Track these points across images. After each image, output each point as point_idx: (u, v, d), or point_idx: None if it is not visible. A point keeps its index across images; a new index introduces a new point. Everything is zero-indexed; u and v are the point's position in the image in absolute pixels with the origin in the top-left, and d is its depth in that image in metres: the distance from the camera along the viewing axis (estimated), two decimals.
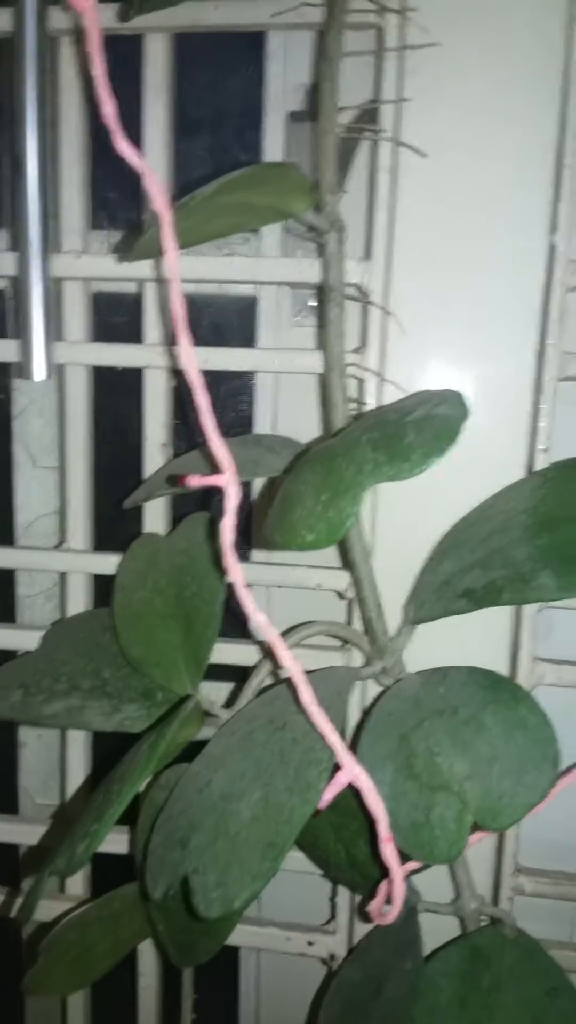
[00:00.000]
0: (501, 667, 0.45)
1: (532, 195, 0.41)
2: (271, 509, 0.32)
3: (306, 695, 0.30)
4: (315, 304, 0.50)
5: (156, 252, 0.40)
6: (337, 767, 0.31)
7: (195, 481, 0.31)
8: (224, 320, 0.56)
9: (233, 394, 0.56)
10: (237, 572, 0.30)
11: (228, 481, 0.30)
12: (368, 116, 0.43)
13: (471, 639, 0.44)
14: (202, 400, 0.32)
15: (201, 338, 0.47)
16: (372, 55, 0.42)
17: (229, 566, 0.29)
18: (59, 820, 0.53)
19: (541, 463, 0.43)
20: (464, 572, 0.38)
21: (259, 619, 0.31)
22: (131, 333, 0.51)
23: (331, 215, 0.40)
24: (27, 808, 0.62)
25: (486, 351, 0.43)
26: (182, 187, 0.52)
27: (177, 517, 0.48)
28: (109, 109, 0.30)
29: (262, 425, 0.52)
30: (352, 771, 0.30)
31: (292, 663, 0.30)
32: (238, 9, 0.42)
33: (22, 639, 0.49)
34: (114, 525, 0.55)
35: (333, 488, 0.28)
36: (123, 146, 0.31)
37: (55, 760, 0.60)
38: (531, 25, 0.39)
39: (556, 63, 0.39)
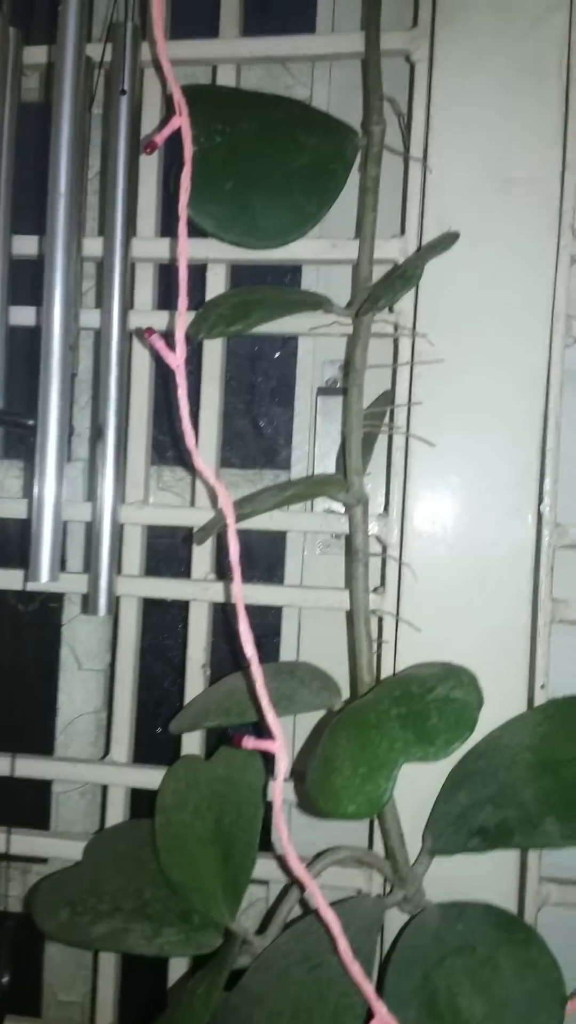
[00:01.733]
0: (511, 885, 0.48)
1: (523, 474, 0.49)
2: (312, 765, 0.37)
3: (342, 944, 0.34)
4: (340, 535, 0.57)
5: (216, 530, 0.47)
6: (370, 1012, 0.34)
7: (250, 744, 0.37)
8: (256, 546, 0.64)
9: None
10: (283, 832, 0.34)
11: (278, 748, 0.35)
12: (386, 399, 0.52)
13: (483, 859, 0.48)
14: (247, 637, 0.38)
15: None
16: (389, 367, 0.51)
17: (280, 830, 0.34)
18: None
19: (540, 698, 0.49)
20: (478, 807, 0.43)
21: (295, 864, 0.36)
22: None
23: (357, 493, 0.48)
24: (50, 1006, 0.62)
25: (488, 597, 0.50)
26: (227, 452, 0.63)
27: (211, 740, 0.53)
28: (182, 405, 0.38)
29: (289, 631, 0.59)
30: (384, 1020, 0.33)
31: (328, 912, 0.34)
32: (279, 323, 0.51)
33: (59, 848, 0.53)
34: (152, 733, 0.60)
35: (369, 763, 0.34)
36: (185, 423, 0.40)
37: (79, 955, 0.62)
38: (519, 335, 0.49)
39: (539, 383, 0.48)
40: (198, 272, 0.55)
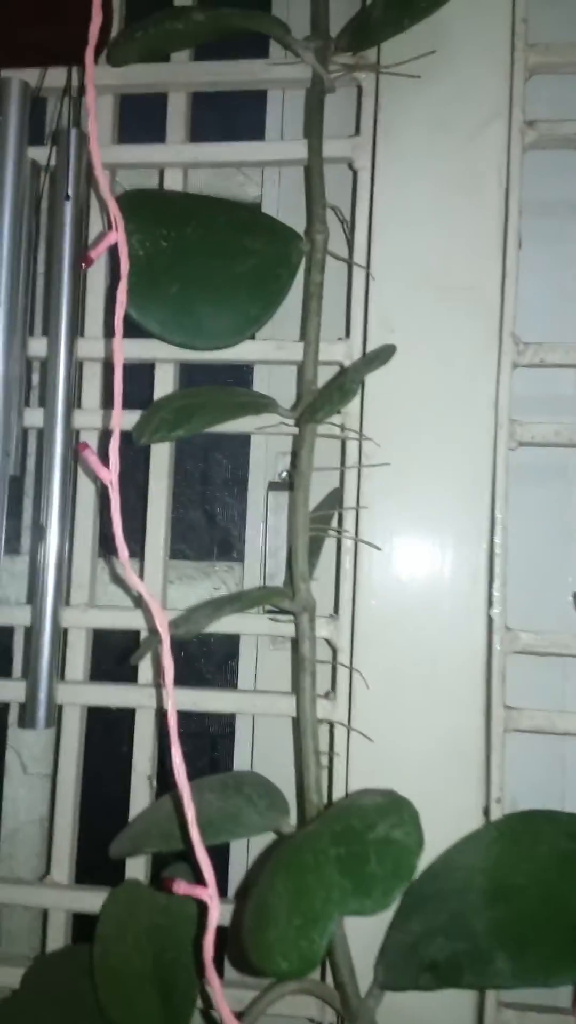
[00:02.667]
0: (468, 1012, 0.46)
1: (472, 578, 0.48)
2: (247, 912, 0.35)
3: None
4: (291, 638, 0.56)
5: (150, 650, 0.46)
6: None
7: (182, 889, 0.35)
8: (211, 640, 0.63)
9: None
10: (217, 985, 0.32)
11: (209, 896, 0.33)
12: (335, 497, 0.52)
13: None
14: (176, 751, 0.36)
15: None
16: (337, 469, 0.50)
17: (213, 983, 0.31)
18: None
19: (496, 812, 0.47)
20: (429, 937, 0.41)
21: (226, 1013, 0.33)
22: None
23: (303, 600, 0.47)
24: None
25: (440, 705, 0.48)
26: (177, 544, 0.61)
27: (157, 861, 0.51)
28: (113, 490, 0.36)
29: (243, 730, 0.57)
30: None
31: None
32: (233, 424, 0.51)
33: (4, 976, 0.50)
34: (97, 845, 0.58)
35: (304, 914, 0.32)
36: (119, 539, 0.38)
37: None
38: (464, 440, 0.48)
39: (485, 487, 0.48)
40: (148, 370, 0.55)
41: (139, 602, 0.54)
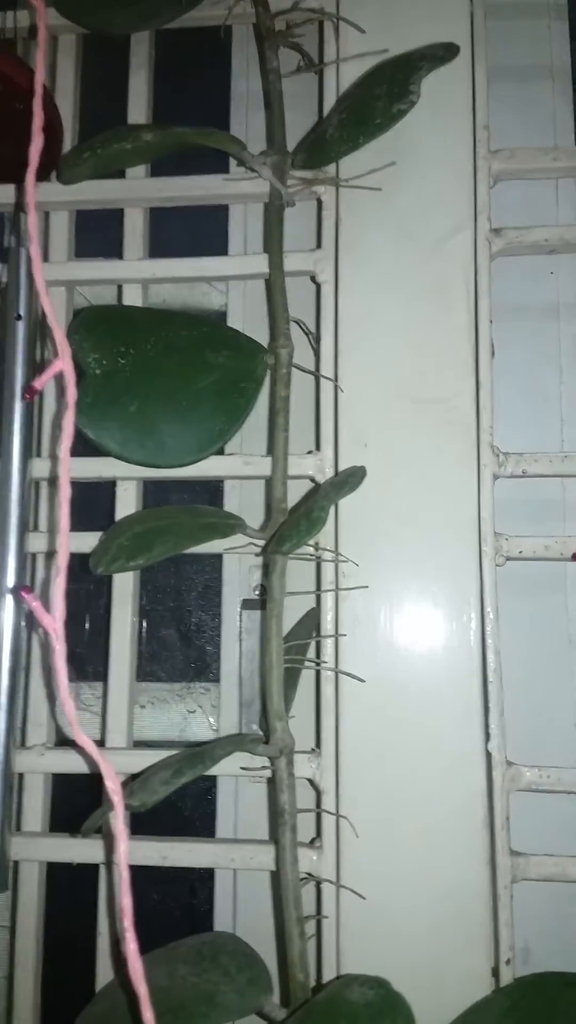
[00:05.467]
0: None
1: (466, 709, 0.44)
2: None
3: None
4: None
5: (98, 823, 0.41)
6: None
7: None
8: None
9: None
10: None
11: None
12: (312, 620, 0.48)
13: None
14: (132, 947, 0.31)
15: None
16: (312, 593, 0.47)
17: None
18: None
19: (506, 975, 0.42)
20: None
21: None
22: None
23: (279, 743, 0.42)
24: None
25: (440, 855, 0.43)
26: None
27: None
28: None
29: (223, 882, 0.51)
30: None
31: None
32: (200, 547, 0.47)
33: None
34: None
35: None
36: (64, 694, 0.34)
37: None
38: (445, 558, 0.45)
39: (473, 607, 0.44)
40: (111, 486, 0.52)
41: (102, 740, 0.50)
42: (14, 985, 0.47)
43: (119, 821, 0.34)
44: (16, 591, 0.46)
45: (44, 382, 0.38)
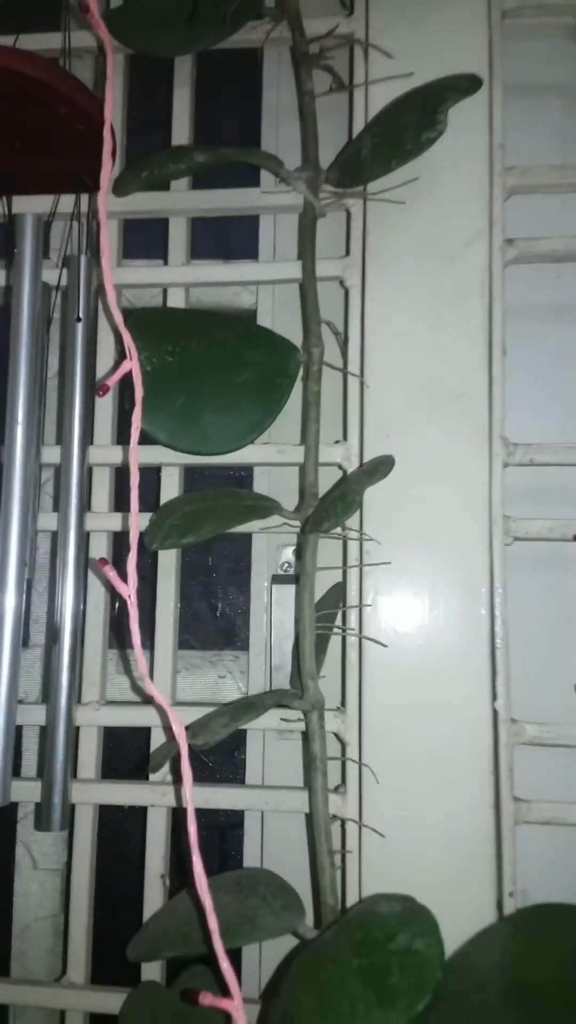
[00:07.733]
0: None
1: (476, 672, 0.50)
2: (272, 1019, 0.35)
3: None
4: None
5: (167, 757, 0.47)
6: None
7: (207, 1001, 0.35)
8: None
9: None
10: None
11: (236, 1008, 0.34)
12: (338, 592, 0.53)
13: None
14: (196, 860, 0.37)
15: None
16: (340, 568, 0.52)
17: None
18: None
19: (509, 906, 0.48)
20: None
21: None
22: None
23: (312, 698, 0.48)
24: None
25: (450, 799, 0.49)
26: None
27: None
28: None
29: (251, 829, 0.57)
30: None
31: None
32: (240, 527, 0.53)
33: None
34: (113, 944, 0.57)
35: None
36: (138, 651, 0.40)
37: None
38: (459, 538, 0.50)
39: (483, 582, 0.50)
40: (152, 472, 0.57)
41: (148, 697, 0.55)
42: (69, 917, 0.53)
43: (184, 760, 0.40)
44: (94, 563, 0.51)
45: (115, 380, 0.43)
